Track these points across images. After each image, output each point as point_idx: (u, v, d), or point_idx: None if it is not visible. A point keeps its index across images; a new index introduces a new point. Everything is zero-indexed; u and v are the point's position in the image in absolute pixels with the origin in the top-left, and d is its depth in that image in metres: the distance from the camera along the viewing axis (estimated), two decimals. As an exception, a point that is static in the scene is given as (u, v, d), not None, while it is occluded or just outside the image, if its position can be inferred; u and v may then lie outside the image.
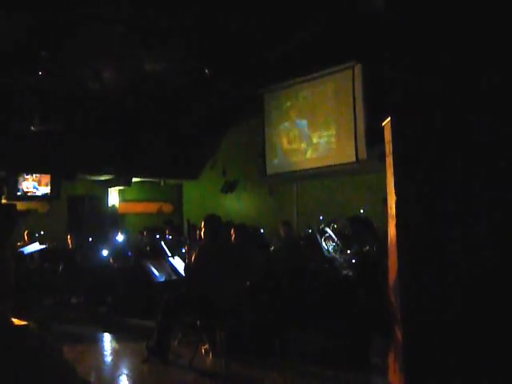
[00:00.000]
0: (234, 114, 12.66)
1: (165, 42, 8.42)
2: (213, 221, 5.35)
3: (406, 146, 3.55)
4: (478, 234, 3.26)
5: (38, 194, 12.61)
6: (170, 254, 6.55)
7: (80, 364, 4.95)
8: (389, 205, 3.76)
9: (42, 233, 10.01)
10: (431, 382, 3.39)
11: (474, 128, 3.32)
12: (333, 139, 10.55)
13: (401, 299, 3.57)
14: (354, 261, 5.75)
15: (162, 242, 7.35)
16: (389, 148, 3.75)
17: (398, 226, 3.56)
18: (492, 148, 3.25)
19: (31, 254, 8.53)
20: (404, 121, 3.59)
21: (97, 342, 6.29)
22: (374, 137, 8.59)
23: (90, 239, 9.92)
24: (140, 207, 14.68)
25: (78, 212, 13.65)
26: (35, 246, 8.46)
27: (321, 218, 9.04)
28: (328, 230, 7.14)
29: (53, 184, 12.74)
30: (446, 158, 3.38)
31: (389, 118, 3.74)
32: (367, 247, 5.61)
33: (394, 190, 3.60)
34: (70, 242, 9.12)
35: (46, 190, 12.74)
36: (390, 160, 3.72)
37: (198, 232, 5.99)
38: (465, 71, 3.39)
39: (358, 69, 9.82)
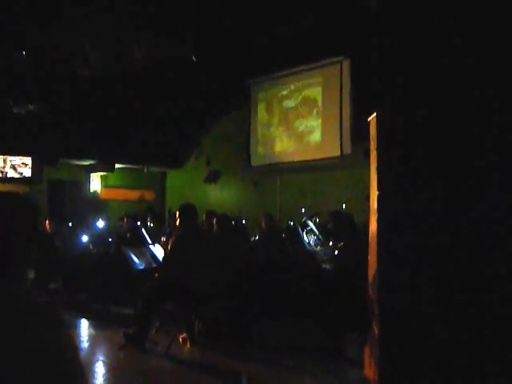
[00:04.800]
0: (221, 105, 12.61)
1: (152, 28, 8.34)
2: (187, 210, 5.34)
3: (390, 142, 3.57)
4: (458, 230, 3.29)
5: (19, 176, 12.44)
6: (150, 242, 6.51)
7: (57, 350, 4.91)
8: (371, 199, 3.78)
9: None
10: (406, 377, 3.43)
11: (458, 125, 3.35)
12: (318, 133, 10.58)
13: (379, 294, 3.60)
14: (334, 254, 5.78)
15: (143, 229, 7.29)
16: (373, 143, 3.76)
17: (379, 221, 3.58)
18: (477, 144, 3.28)
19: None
20: (389, 116, 3.61)
21: (74, 329, 6.25)
22: (359, 132, 8.63)
23: (70, 224, 9.81)
24: (122, 194, 14.57)
25: (58, 196, 13.50)
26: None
27: (303, 210, 9.08)
28: (310, 223, 7.17)
29: (34, 167, 12.57)
30: (430, 154, 3.41)
31: (374, 114, 3.75)
32: (343, 243, 5.63)
33: (376, 185, 3.62)
34: (47, 226, 9.01)
35: (27, 172, 12.57)
36: (374, 155, 3.74)
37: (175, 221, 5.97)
38: (450, 69, 3.41)
39: (346, 64, 9.84)
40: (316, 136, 10.62)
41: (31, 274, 8.85)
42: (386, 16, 3.83)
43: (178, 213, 5.32)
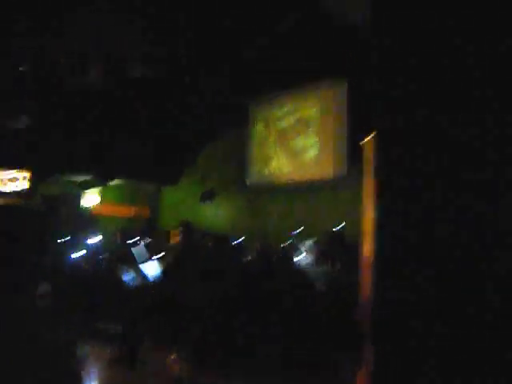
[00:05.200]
0: (217, 123, 12.66)
1: (149, 41, 8.40)
2: (187, 227, 5.36)
3: (388, 165, 3.58)
4: (457, 251, 3.29)
5: (14, 190, 12.39)
6: (142, 260, 6.48)
7: (46, 367, 4.85)
8: (364, 222, 3.79)
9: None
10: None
11: (456, 147, 3.37)
12: (314, 154, 10.64)
13: (373, 315, 3.59)
14: (327, 275, 5.78)
15: (132, 248, 7.26)
16: (367, 166, 3.79)
17: (376, 241, 3.58)
18: (476, 163, 3.30)
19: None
20: (387, 139, 3.63)
21: (64, 346, 6.16)
22: (354, 154, 8.67)
23: (64, 240, 9.74)
24: (116, 210, 14.51)
25: (52, 211, 13.42)
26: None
27: (297, 231, 9.08)
28: (304, 243, 7.17)
29: (31, 182, 12.53)
30: (425, 177, 3.43)
31: (369, 137, 3.78)
32: (336, 263, 5.64)
33: (369, 207, 3.63)
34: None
35: (23, 187, 12.52)
36: (367, 178, 3.76)
37: (172, 237, 5.96)
38: (449, 89, 3.45)
39: (343, 86, 9.93)
40: (311, 154, 10.67)
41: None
42: (374, 32, 3.87)
43: (179, 229, 5.34)
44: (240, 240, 8.49)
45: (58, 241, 9.62)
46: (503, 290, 3.19)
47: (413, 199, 3.46)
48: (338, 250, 6.02)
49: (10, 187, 12.39)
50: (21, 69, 8.86)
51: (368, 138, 3.81)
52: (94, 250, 9.03)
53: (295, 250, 7.01)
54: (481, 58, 3.38)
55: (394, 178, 3.53)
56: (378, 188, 3.61)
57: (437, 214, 3.38)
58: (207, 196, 12.75)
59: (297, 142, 11.02)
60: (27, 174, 12.49)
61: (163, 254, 6.24)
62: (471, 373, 3.21)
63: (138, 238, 8.98)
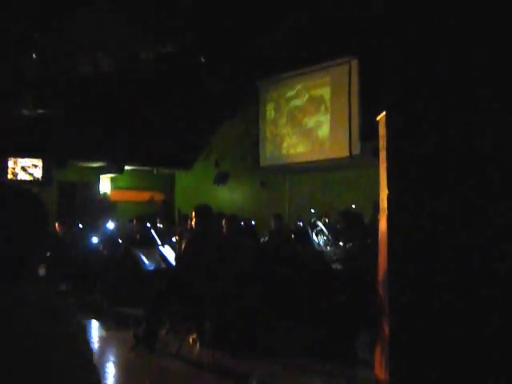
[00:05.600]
0: (229, 106, 12.62)
1: (161, 28, 8.37)
2: (204, 211, 5.35)
3: (400, 141, 3.54)
4: (468, 231, 3.26)
5: (30, 178, 12.53)
6: (160, 243, 6.53)
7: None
8: (381, 199, 3.76)
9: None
10: (416, 377, 3.40)
11: (468, 125, 3.32)
12: (326, 128, 10.55)
13: (389, 294, 3.58)
14: (343, 255, 5.76)
15: (153, 231, 7.32)
16: (382, 143, 3.74)
17: (388, 221, 3.56)
18: (488, 147, 3.25)
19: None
20: (399, 116, 3.58)
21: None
22: (368, 132, 8.60)
23: (81, 226, 9.85)
24: (131, 195, 14.62)
25: (68, 198, 13.58)
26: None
27: (312, 211, 9.06)
28: (319, 223, 7.15)
29: (44, 169, 12.66)
30: (439, 154, 3.38)
31: (383, 113, 3.73)
32: (352, 243, 5.61)
33: (386, 185, 3.60)
34: (58, 228, 9.05)
35: (38, 173, 12.66)
36: (383, 155, 3.72)
37: (188, 222, 5.97)
38: (460, 70, 3.38)
39: (354, 64, 9.81)
40: (324, 131, 10.59)
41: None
42: (394, 15, 3.79)
43: (194, 213, 5.32)
44: (252, 223, 8.51)
45: (78, 226, 9.73)
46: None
47: (422, 177, 3.42)
48: (355, 229, 5.98)
49: (24, 175, 12.52)
50: (34, 57, 8.88)
51: (382, 115, 3.76)
52: (111, 235, 9.12)
53: (311, 229, 7.00)
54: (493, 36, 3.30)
55: (402, 154, 3.49)
56: (390, 165, 3.58)
57: (447, 191, 3.34)
58: (221, 178, 12.78)
59: (309, 121, 10.95)
60: (42, 162, 12.61)
61: (181, 237, 6.27)
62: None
63: (157, 221, 9.06)
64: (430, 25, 3.56)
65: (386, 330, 3.63)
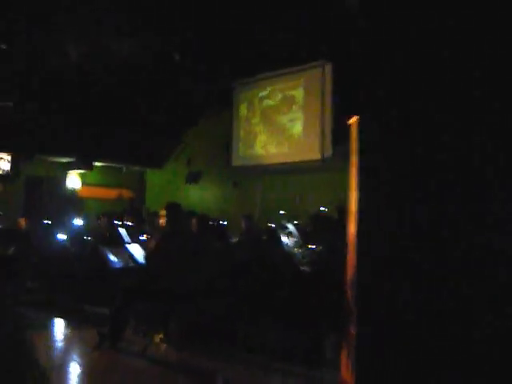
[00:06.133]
0: (203, 105, 12.57)
1: (135, 24, 8.28)
2: (174, 208, 5.32)
3: (371, 145, 3.59)
4: (437, 232, 3.32)
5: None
6: (128, 241, 6.45)
7: (30, 349, 4.84)
8: (350, 202, 3.80)
9: (-3, 213, 9.71)
10: (382, 380, 3.44)
11: (439, 128, 3.37)
12: (299, 136, 10.62)
13: (356, 296, 3.61)
14: (312, 257, 5.80)
15: (120, 229, 7.23)
16: (353, 146, 3.78)
17: (358, 222, 3.60)
18: (457, 149, 3.31)
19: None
20: (370, 119, 3.63)
21: (50, 328, 6.15)
22: (340, 135, 8.66)
23: (47, 222, 9.66)
24: (100, 192, 14.41)
25: (35, 193, 13.30)
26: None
27: (283, 212, 9.09)
28: (289, 225, 7.18)
29: (13, 163, 12.38)
30: (411, 158, 3.43)
31: (355, 117, 3.77)
32: (322, 245, 5.66)
33: (356, 188, 3.63)
34: (22, 223, 8.85)
35: (5, 167, 12.38)
36: (354, 158, 3.75)
37: (158, 220, 5.92)
38: (430, 72, 3.44)
39: (328, 68, 9.89)
40: (296, 134, 10.64)
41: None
42: (368, 16, 3.83)
43: (165, 211, 5.28)
44: (224, 222, 8.49)
45: (44, 222, 9.54)
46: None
47: (393, 180, 3.47)
48: (324, 232, 6.03)
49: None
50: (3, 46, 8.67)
51: (354, 118, 3.80)
52: (78, 232, 8.98)
53: (281, 231, 7.01)
54: (470, 43, 3.37)
55: (374, 158, 3.54)
56: (360, 168, 3.62)
57: (417, 196, 3.39)
58: (193, 177, 12.72)
59: (281, 117, 11.00)
60: (10, 156, 12.34)
61: (149, 236, 6.21)
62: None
63: (124, 219, 8.95)
64: (405, 30, 3.61)
65: (353, 332, 3.67)
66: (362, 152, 3.65)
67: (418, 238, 3.36)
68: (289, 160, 10.75)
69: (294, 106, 10.75)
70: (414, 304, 3.35)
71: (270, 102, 11.26)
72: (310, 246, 6.34)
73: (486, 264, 3.19)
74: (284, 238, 6.92)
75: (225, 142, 12.15)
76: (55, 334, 5.95)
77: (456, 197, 3.29)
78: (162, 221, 5.33)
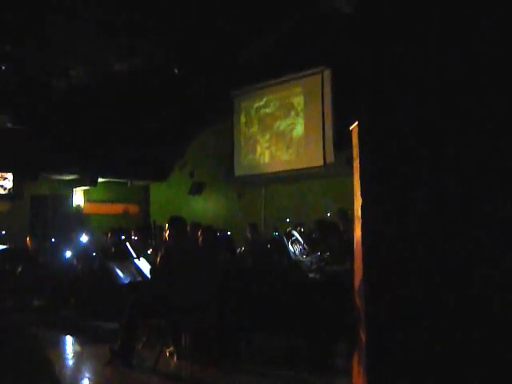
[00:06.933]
0: (203, 116, 12.62)
1: (134, 40, 8.34)
2: (177, 222, 5.31)
3: (373, 150, 3.59)
4: (444, 238, 3.31)
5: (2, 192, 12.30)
6: (135, 256, 6.45)
7: (42, 367, 4.84)
8: (355, 207, 3.79)
9: (2, 233, 9.73)
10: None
11: (439, 131, 3.38)
12: (301, 143, 10.63)
13: (365, 301, 3.60)
14: (320, 264, 5.78)
15: (127, 243, 7.23)
16: (356, 152, 3.79)
17: (363, 228, 3.59)
18: (459, 154, 3.31)
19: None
20: (371, 125, 3.63)
21: (59, 345, 6.15)
22: (341, 141, 8.68)
23: (53, 240, 9.69)
24: (105, 208, 14.46)
25: (40, 212, 13.34)
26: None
27: (287, 220, 9.08)
28: (295, 233, 7.16)
29: (15, 183, 12.43)
30: (412, 163, 3.44)
31: (356, 123, 3.78)
32: (329, 252, 5.64)
33: (360, 193, 3.63)
34: (29, 242, 8.88)
35: (8, 186, 12.44)
36: (356, 164, 3.76)
37: (163, 233, 5.92)
38: (431, 76, 3.45)
39: (327, 74, 9.92)
40: (299, 146, 10.65)
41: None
42: (366, 24, 3.85)
43: (167, 225, 5.28)
44: (228, 233, 8.49)
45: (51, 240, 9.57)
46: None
47: (395, 184, 3.47)
48: (330, 238, 6.02)
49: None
50: (3, 68, 8.75)
51: (355, 124, 3.80)
52: (85, 248, 8.99)
53: (287, 239, 7.00)
54: (468, 46, 3.38)
55: (375, 162, 3.55)
56: (361, 174, 3.62)
57: (419, 198, 3.39)
58: (196, 189, 12.74)
59: (281, 130, 11.02)
60: (12, 176, 12.40)
61: (156, 249, 6.21)
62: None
63: (132, 233, 8.97)
64: (404, 34, 3.62)
65: (363, 337, 3.65)
66: (362, 157, 3.65)
67: (424, 241, 3.36)
68: (291, 167, 10.76)
69: (294, 113, 10.78)
70: (424, 309, 3.34)
71: (269, 111, 11.30)
72: (317, 253, 6.32)
73: (491, 264, 3.19)
74: (290, 246, 6.91)
75: (227, 153, 12.17)
76: (65, 351, 5.95)
77: (458, 198, 3.28)
78: (166, 234, 5.34)
